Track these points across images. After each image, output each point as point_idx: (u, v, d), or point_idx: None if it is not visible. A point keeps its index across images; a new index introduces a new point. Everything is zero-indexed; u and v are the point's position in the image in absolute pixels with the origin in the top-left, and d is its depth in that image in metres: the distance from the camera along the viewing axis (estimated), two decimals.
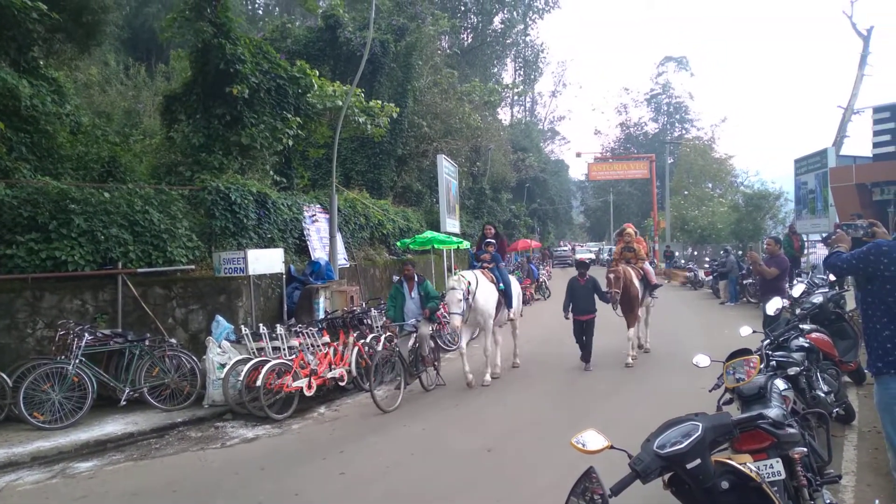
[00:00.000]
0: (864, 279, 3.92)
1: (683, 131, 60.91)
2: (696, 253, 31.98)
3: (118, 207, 9.66)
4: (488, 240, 10.76)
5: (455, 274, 9.89)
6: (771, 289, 9.89)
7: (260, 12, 44.30)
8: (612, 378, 9.82)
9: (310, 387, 8.57)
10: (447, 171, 23.16)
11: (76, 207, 9.17)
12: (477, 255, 11.05)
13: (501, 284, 10.27)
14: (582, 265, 11.18)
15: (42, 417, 7.63)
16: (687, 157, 46.01)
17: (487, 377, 9.87)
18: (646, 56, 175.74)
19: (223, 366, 8.65)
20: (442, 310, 13.19)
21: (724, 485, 2.85)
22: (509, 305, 10.45)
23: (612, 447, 2.89)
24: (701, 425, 2.90)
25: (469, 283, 9.53)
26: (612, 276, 10.46)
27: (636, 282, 10.93)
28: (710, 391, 4.97)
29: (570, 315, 10.66)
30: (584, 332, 10.59)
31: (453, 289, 9.29)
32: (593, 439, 2.92)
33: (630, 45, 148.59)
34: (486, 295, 9.87)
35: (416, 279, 9.94)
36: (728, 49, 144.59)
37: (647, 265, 11.73)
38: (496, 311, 10.13)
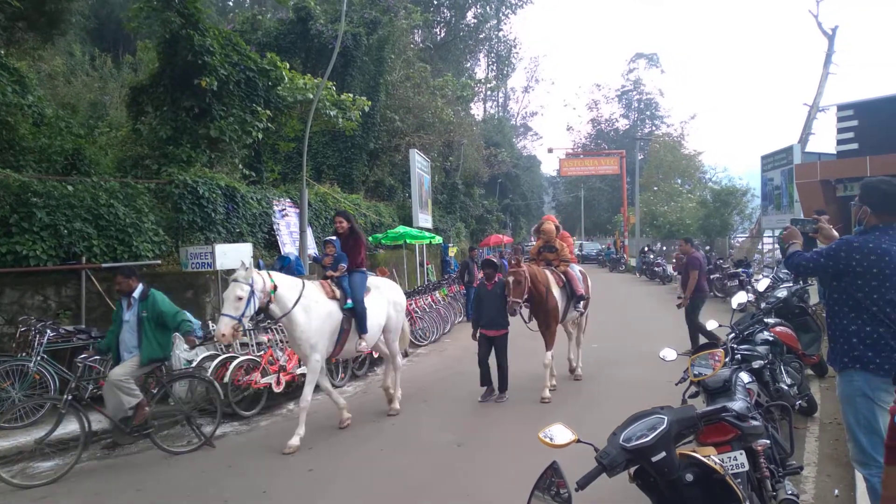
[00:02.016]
0: (832, 276, 3.92)
1: (654, 128, 61.65)
2: (664, 248, 32.36)
3: (82, 201, 9.46)
4: (328, 238, 7.90)
5: (244, 267, 6.61)
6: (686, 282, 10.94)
7: (230, 4, 43.69)
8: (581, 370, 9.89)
9: (278, 383, 8.49)
10: (420, 165, 23.10)
11: (38, 201, 8.96)
12: (315, 259, 8.42)
13: (348, 301, 7.36)
14: (489, 265, 8.87)
15: (2, 416, 7.43)
16: (657, 154, 46.62)
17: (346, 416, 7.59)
18: (617, 52, 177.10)
19: (190, 362, 8.51)
20: (414, 304, 13.17)
21: (689, 477, 2.87)
22: (361, 329, 7.43)
23: (578, 441, 2.90)
24: (666, 418, 2.92)
25: (267, 283, 6.64)
26: (511, 279, 8.17)
27: (555, 290, 8.61)
28: (676, 384, 5.02)
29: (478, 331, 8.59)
30: (494, 352, 8.49)
31: (235, 280, 6.45)
32: (560, 433, 2.93)
33: (602, 42, 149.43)
34: (313, 317, 6.96)
35: (138, 294, 6.87)
36: (697, 46, 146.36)
37: (574, 269, 9.23)
38: (338, 342, 7.36)
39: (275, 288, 6.69)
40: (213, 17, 25.60)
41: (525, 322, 8.79)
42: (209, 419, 8.06)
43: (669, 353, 4.91)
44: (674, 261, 12.22)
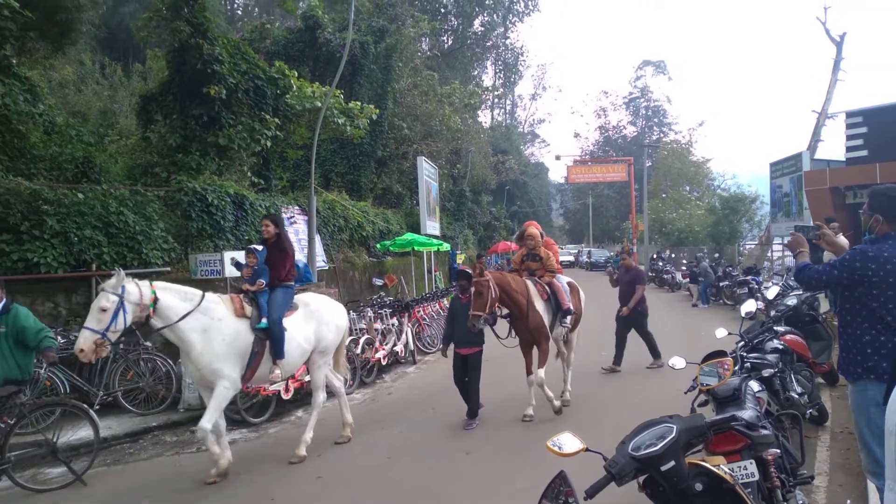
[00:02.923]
0: (846, 286, 3.86)
1: (661, 134, 61.50)
2: (673, 255, 32.27)
3: (92, 209, 9.52)
4: (251, 247, 6.93)
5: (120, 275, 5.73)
6: (628, 295, 10.68)
7: (239, 12, 44.05)
8: (586, 381, 9.86)
9: (287, 390, 8.50)
10: (427, 172, 23.15)
11: (49, 208, 9.02)
12: (237, 266, 7.14)
13: (263, 321, 6.29)
14: (462, 276, 7.91)
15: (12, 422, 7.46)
16: (665, 161, 46.47)
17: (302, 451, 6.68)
18: (625, 60, 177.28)
19: None
20: (422, 312, 13.17)
21: (698, 487, 2.86)
22: (277, 355, 6.36)
23: (587, 450, 2.89)
24: (675, 427, 2.91)
25: (145, 294, 5.69)
26: (473, 289, 7.34)
27: (538, 303, 7.76)
28: (685, 393, 5.00)
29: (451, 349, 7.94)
30: (466, 372, 7.72)
31: (103, 289, 5.62)
32: (569, 442, 2.92)
33: (609, 49, 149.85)
34: (214, 338, 5.99)
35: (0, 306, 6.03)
36: (706, 53, 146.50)
37: (560, 280, 8.33)
38: (249, 367, 6.25)
39: (155, 301, 5.76)
40: (222, 26, 25.82)
41: (497, 337, 7.89)
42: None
43: (678, 362, 4.89)
44: (609, 272, 11.46)
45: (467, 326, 7.22)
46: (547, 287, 8.06)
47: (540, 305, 7.79)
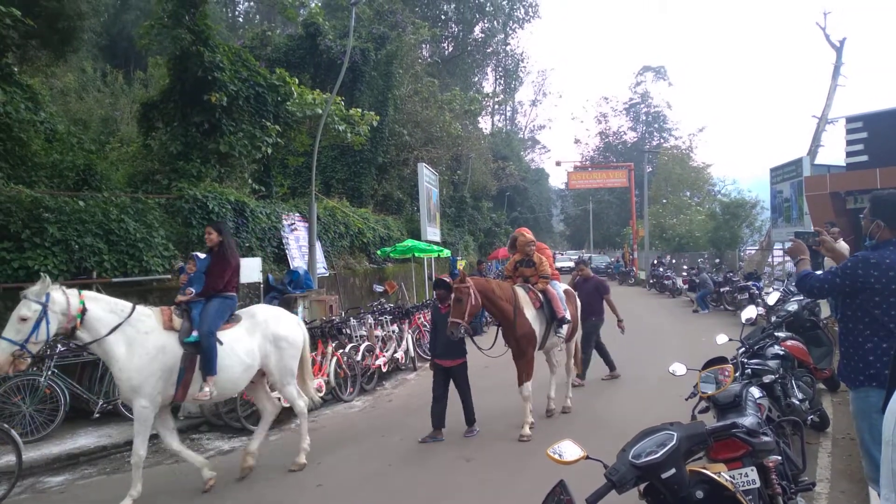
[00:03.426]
0: (848, 293, 3.83)
1: (662, 140, 61.58)
2: (674, 261, 32.26)
3: (93, 216, 9.53)
4: (194, 253, 6.74)
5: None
6: (589, 310, 10.10)
7: (240, 20, 44.18)
8: (585, 389, 9.84)
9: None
10: (428, 179, 23.18)
11: (50, 216, 9.04)
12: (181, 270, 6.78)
13: (194, 334, 5.80)
14: (440, 285, 7.64)
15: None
16: (665, 166, 46.52)
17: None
18: (625, 65, 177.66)
19: None
20: (423, 318, 13.16)
21: (699, 494, 2.85)
22: (207, 370, 5.81)
23: (587, 457, 2.88)
24: (676, 434, 2.90)
25: (73, 304, 5.31)
26: (453, 296, 6.98)
27: (528, 311, 7.35)
28: (686, 399, 4.99)
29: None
30: (451, 384, 7.49)
31: (25, 297, 5.17)
32: (569, 449, 2.92)
33: (610, 55, 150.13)
34: (137, 352, 5.56)
35: None
36: (706, 59, 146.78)
37: (556, 287, 7.89)
38: (179, 383, 5.78)
39: (84, 311, 5.38)
40: (223, 34, 25.90)
41: (478, 348, 7.52)
42: (218, 434, 8.09)
43: (679, 368, 4.89)
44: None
45: (447, 335, 6.88)
46: (540, 294, 7.61)
47: (530, 313, 7.36)
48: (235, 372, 6.11)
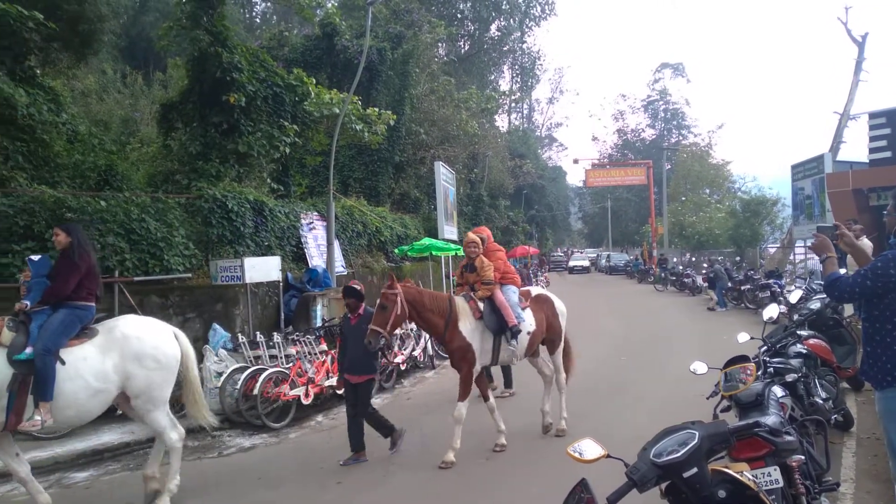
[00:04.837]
0: (880, 293, 3.68)
1: (681, 137, 61.02)
2: (693, 259, 31.99)
3: (115, 216, 9.64)
4: (30, 257, 5.98)
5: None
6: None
7: (258, 20, 44.47)
8: (605, 386, 9.79)
9: (307, 395, 8.55)
10: (445, 177, 23.19)
11: (72, 216, 9.13)
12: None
13: (27, 351, 4.98)
14: (350, 293, 6.95)
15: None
16: (684, 163, 46.12)
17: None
18: (643, 62, 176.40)
19: (220, 374, 8.61)
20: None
21: (721, 494, 2.83)
22: (40, 395, 4.98)
23: (608, 456, 2.87)
24: (697, 434, 2.88)
25: None
26: (378, 302, 6.34)
27: (465, 324, 6.61)
28: (707, 398, 4.96)
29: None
30: (356, 401, 6.80)
31: None
32: (590, 448, 2.90)
33: (627, 52, 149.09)
34: None
35: None
36: (725, 55, 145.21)
37: (508, 293, 7.00)
38: (10, 409, 4.94)
39: None
40: (241, 34, 26.07)
41: (388, 361, 7.12)
42: (239, 431, 8.16)
43: (700, 367, 4.85)
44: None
45: (363, 345, 6.23)
46: (481, 303, 6.79)
47: (467, 326, 6.61)
48: (79, 398, 5.19)
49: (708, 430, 2.96)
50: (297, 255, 13.59)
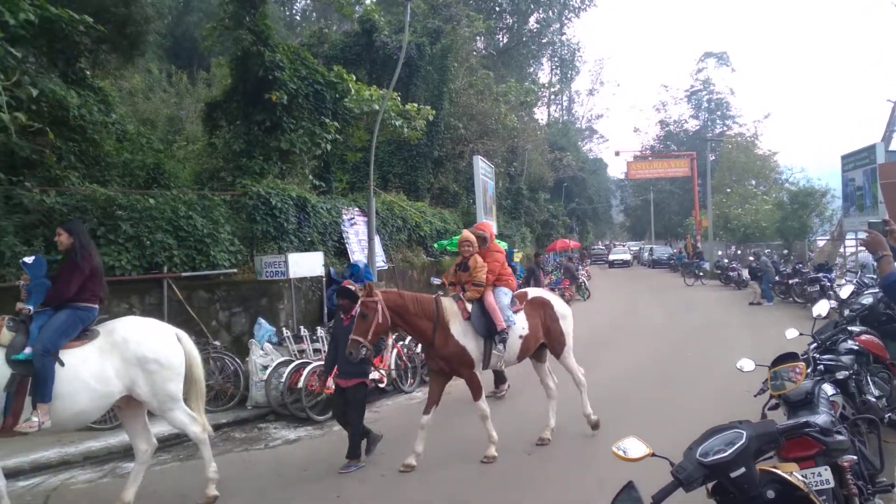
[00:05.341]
0: None
1: (725, 128, 59.79)
2: (739, 252, 31.33)
3: (163, 213, 9.88)
4: (24, 259, 5.59)
5: None
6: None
7: (297, 18, 44.97)
8: (649, 381, 9.69)
9: None
10: (483, 171, 23.15)
11: (123, 214, 9.41)
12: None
13: (26, 351, 4.95)
14: (344, 294, 6.83)
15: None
16: (729, 155, 45.13)
17: None
18: (685, 52, 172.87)
19: (265, 368, 8.79)
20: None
21: (770, 494, 2.79)
22: (39, 397, 4.93)
23: (653, 455, 2.86)
24: (745, 433, 2.84)
25: None
26: (357, 310, 6.18)
27: (456, 326, 6.44)
28: (755, 396, 4.88)
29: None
30: (345, 406, 6.73)
31: None
32: (634, 447, 2.89)
33: (668, 42, 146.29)
34: None
35: None
36: (770, 43, 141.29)
37: (500, 295, 6.75)
38: (8, 411, 4.89)
39: None
40: (282, 32, 26.42)
41: (373, 367, 6.85)
42: (284, 423, 8.31)
43: (747, 364, 4.77)
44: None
45: (346, 354, 6.08)
46: (468, 305, 6.57)
47: (458, 327, 6.42)
48: (79, 400, 5.13)
49: (756, 429, 2.92)
50: (338, 251, 13.74)
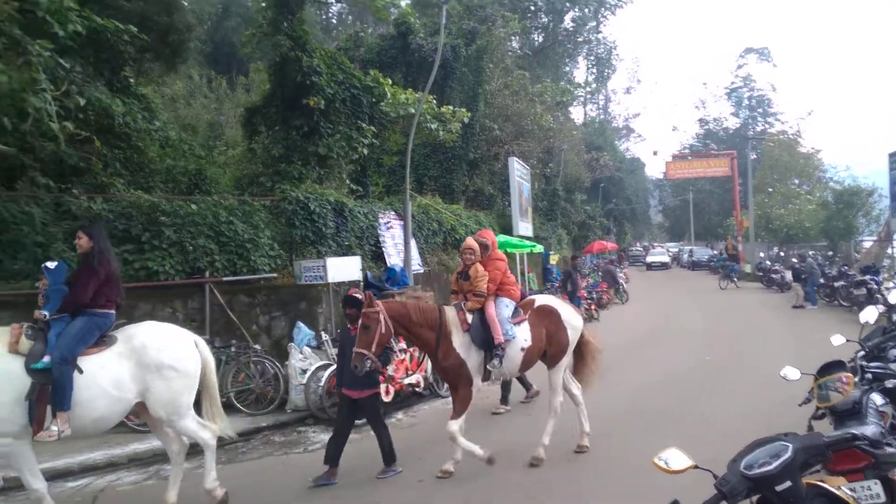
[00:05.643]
0: None
1: (767, 126, 58.52)
2: (782, 253, 30.64)
3: (204, 219, 10.07)
4: (46, 264, 5.41)
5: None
6: None
7: (334, 21, 45.39)
8: (692, 389, 9.54)
9: (387, 393, 8.70)
10: (519, 173, 23.08)
11: (166, 220, 9.62)
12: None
13: (45, 359, 4.90)
14: (350, 303, 6.65)
15: (137, 420, 8.00)
16: (771, 153, 44.18)
17: None
18: (724, 49, 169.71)
19: (304, 372, 8.90)
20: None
21: None
22: (57, 405, 4.90)
23: (696, 467, 2.82)
24: (791, 446, 2.80)
25: None
26: (360, 322, 5.99)
27: (457, 338, 6.26)
28: (799, 405, 4.77)
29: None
30: (353, 418, 6.68)
31: None
32: (676, 458, 2.87)
33: (707, 38, 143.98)
34: None
35: None
36: (813, 37, 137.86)
37: (498, 304, 6.54)
38: (33, 418, 4.87)
39: None
40: (318, 36, 26.67)
41: (384, 375, 6.79)
42: (323, 427, 8.41)
43: (792, 373, 4.67)
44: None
45: (351, 367, 5.92)
46: (469, 315, 6.40)
47: (459, 339, 6.25)
48: (97, 407, 5.11)
49: (802, 442, 2.87)
50: (375, 254, 13.84)
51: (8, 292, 7.90)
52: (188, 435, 5.66)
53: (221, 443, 7.74)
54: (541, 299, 7.35)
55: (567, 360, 6.97)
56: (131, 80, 12.90)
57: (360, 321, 5.94)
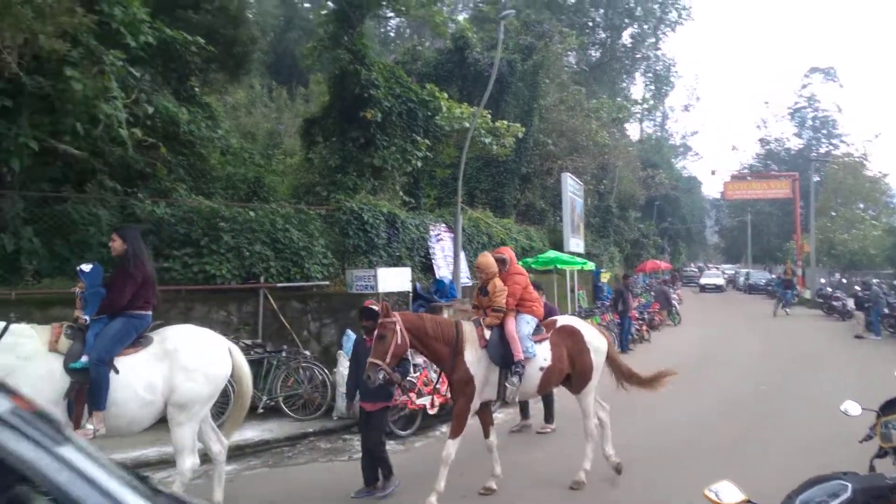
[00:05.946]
0: None
1: (831, 147, 56.59)
2: (843, 280, 29.56)
3: (262, 225, 10.33)
4: (82, 266, 5.53)
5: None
6: None
7: (392, 34, 46.06)
8: (744, 419, 9.26)
9: (433, 405, 8.71)
10: (572, 189, 22.90)
11: (225, 225, 9.90)
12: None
13: (82, 359, 4.96)
14: (367, 314, 6.39)
15: None
16: (835, 176, 42.74)
17: None
18: (786, 67, 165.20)
19: None
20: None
21: None
22: (94, 404, 4.99)
23: (748, 502, 2.74)
24: (850, 486, 2.70)
25: None
26: (376, 333, 5.88)
27: (470, 354, 6.10)
28: (860, 442, 4.58)
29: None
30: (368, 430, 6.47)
31: None
32: (728, 491, 2.79)
33: (768, 57, 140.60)
34: (19, 379, 4.73)
35: None
36: (882, 59, 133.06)
37: (519, 321, 6.37)
38: (71, 415, 4.93)
39: None
40: (376, 49, 27.09)
41: (402, 389, 6.84)
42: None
43: (853, 408, 4.49)
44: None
45: (364, 378, 5.80)
46: (487, 331, 6.24)
47: (472, 355, 6.09)
48: (130, 408, 5.13)
49: (863, 483, 2.76)
50: (425, 266, 13.94)
51: (73, 289, 8.19)
52: (178, 445, 5.34)
53: (268, 447, 7.93)
54: (563, 319, 7.21)
55: (595, 383, 6.76)
56: (197, 90, 13.36)
57: (375, 332, 5.89)
